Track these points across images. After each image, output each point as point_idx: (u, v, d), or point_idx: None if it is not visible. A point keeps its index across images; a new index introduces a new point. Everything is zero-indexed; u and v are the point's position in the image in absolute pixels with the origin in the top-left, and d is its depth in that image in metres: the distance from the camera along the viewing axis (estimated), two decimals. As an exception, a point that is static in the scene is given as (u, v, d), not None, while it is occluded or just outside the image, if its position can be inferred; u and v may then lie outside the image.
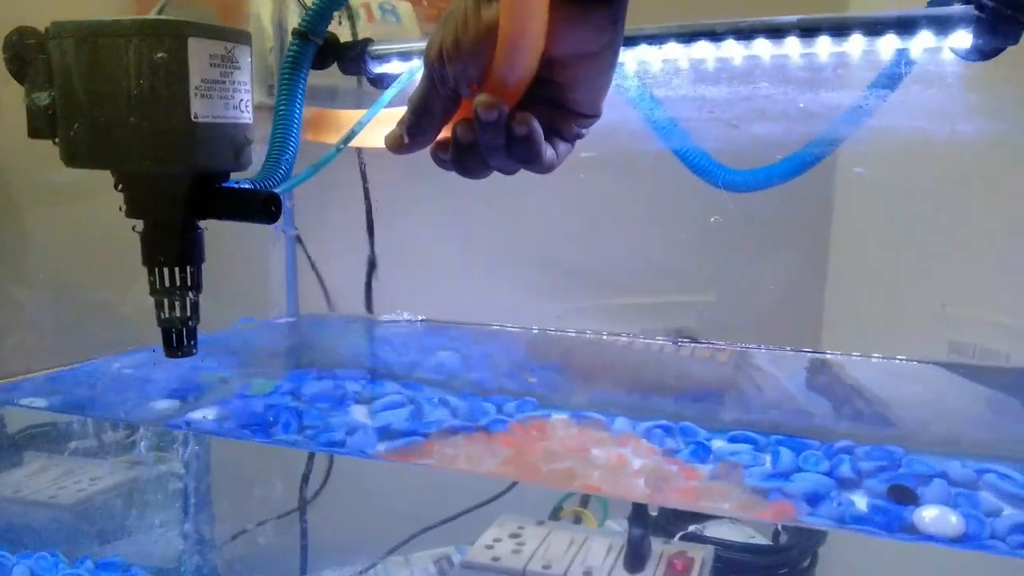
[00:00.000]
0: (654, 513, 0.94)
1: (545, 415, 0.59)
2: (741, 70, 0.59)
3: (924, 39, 0.54)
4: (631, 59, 0.60)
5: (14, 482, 0.86)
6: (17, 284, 0.80)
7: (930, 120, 0.62)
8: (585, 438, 0.55)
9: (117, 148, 0.48)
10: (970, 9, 0.51)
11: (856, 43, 0.55)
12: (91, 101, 0.48)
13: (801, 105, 0.62)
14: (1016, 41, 0.51)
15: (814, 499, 0.47)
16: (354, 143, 0.60)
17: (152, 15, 0.62)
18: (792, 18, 0.55)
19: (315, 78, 0.63)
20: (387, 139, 0.46)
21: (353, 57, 0.67)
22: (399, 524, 0.94)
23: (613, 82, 0.43)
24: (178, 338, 0.54)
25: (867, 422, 0.62)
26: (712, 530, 0.95)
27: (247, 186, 0.53)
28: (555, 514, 0.97)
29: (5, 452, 0.87)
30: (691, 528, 0.93)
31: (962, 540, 0.44)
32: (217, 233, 0.54)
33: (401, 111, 0.46)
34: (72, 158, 0.50)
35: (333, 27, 0.64)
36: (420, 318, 0.89)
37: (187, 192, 0.50)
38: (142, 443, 0.85)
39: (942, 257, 0.91)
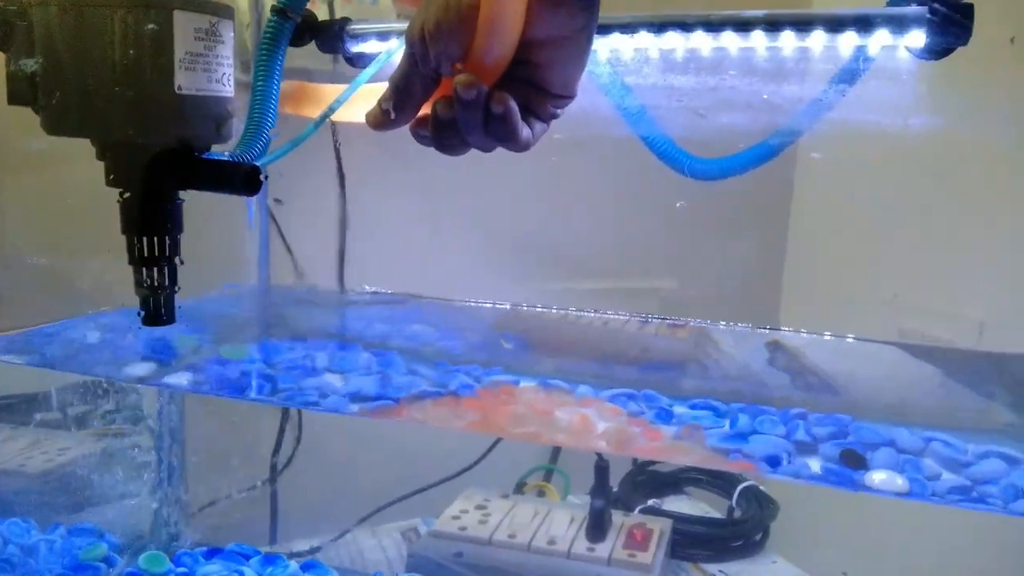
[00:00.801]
0: (615, 488, 0.97)
1: (513, 381, 0.61)
2: (709, 61, 0.62)
3: (881, 37, 0.57)
4: (604, 47, 0.62)
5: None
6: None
7: (885, 114, 0.65)
8: (551, 402, 0.57)
9: (101, 118, 0.49)
10: (923, 10, 0.53)
11: (818, 39, 0.58)
12: (76, 70, 0.48)
13: (765, 96, 0.64)
14: (965, 42, 0.54)
15: (773, 460, 0.50)
16: (333, 117, 0.61)
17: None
18: (759, 12, 0.58)
19: (289, 60, 0.64)
20: (368, 116, 0.48)
21: (331, 36, 0.68)
22: (367, 497, 0.96)
23: (587, 68, 0.45)
24: (156, 306, 0.55)
25: (820, 392, 0.66)
26: (670, 505, 0.99)
27: (227, 158, 0.54)
28: (519, 488, 1.00)
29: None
30: (650, 502, 0.96)
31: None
32: (191, 202, 0.55)
33: (381, 87, 0.47)
34: (54, 126, 0.50)
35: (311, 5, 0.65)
36: (388, 291, 0.91)
37: (170, 163, 0.51)
38: (115, 410, 0.86)
39: (893, 246, 0.95)
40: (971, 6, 0.53)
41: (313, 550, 0.89)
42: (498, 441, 0.96)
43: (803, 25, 0.57)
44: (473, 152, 0.47)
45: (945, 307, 0.88)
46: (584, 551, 0.80)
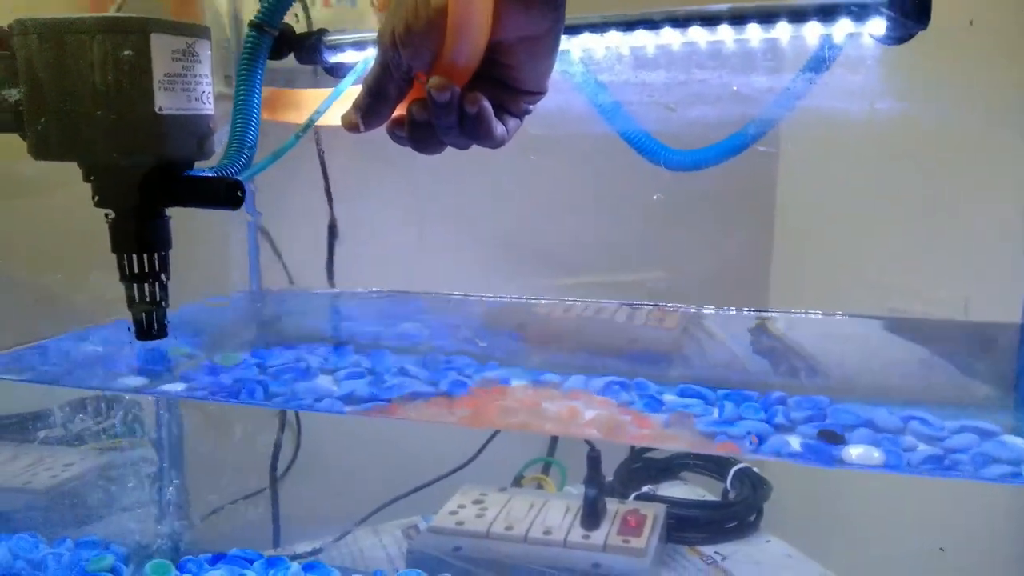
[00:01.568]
0: (609, 477, 0.99)
1: (503, 379, 0.63)
2: (679, 56, 0.63)
3: (844, 25, 0.58)
4: (576, 47, 0.63)
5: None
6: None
7: (851, 100, 0.67)
8: (541, 395, 0.59)
9: (85, 141, 0.50)
10: (883, -4, 0.55)
11: (784, 29, 0.59)
12: (58, 97, 0.49)
13: (735, 88, 0.66)
14: (925, 26, 0.56)
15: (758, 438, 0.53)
16: (319, 123, 0.63)
17: (112, 12, 0.63)
18: (723, 6, 0.59)
19: (274, 64, 0.65)
20: (343, 119, 0.49)
21: (308, 48, 0.69)
22: (367, 498, 0.98)
23: (561, 68, 0.46)
24: (148, 321, 0.56)
25: (805, 375, 0.68)
26: (665, 491, 1.01)
27: (210, 174, 0.56)
28: (517, 482, 1.02)
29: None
30: (645, 488, 0.98)
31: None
32: (179, 216, 0.56)
33: (358, 90, 0.49)
34: (41, 152, 0.52)
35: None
36: (375, 290, 0.92)
37: (154, 181, 0.53)
38: (115, 424, 0.87)
39: (874, 229, 0.96)
40: (929, -9, 0.54)
41: (315, 551, 0.91)
42: (495, 434, 0.97)
43: (767, 17, 0.59)
44: (457, 153, 0.49)
45: (929, 285, 0.90)
46: (580, 539, 0.82)
